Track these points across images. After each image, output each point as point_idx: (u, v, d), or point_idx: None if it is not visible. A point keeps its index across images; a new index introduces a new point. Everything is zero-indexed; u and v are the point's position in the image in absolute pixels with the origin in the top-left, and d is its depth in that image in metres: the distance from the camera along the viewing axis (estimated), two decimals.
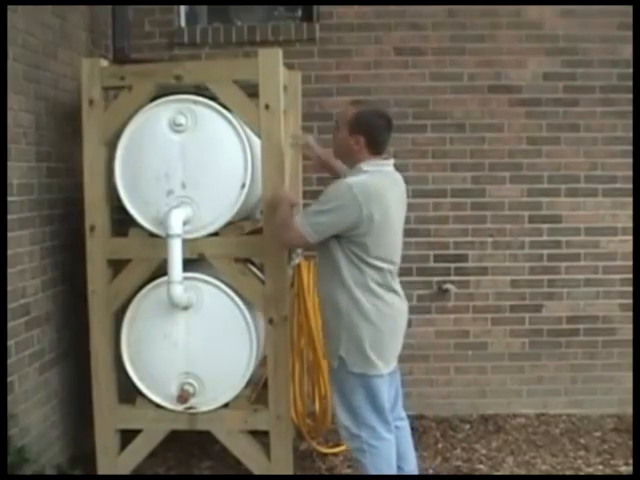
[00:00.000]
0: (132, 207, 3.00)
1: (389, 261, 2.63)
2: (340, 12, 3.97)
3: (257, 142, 2.98)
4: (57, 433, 3.28)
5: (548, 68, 3.96)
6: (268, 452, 3.06)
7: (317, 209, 2.58)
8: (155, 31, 4.01)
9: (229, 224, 2.99)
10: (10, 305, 2.85)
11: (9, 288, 2.82)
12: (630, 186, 3.96)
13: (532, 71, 3.97)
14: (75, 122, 3.15)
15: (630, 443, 3.62)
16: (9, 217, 2.83)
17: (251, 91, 2.93)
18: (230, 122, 2.93)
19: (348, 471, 3.38)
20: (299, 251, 3.15)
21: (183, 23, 4.11)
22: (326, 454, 3.52)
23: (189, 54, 3.94)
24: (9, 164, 2.83)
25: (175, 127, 2.92)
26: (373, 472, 2.64)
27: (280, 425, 3.03)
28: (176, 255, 2.85)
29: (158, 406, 3.09)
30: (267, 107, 2.91)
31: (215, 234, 2.99)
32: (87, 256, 3.06)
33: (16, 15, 2.88)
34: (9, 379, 2.82)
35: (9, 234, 2.83)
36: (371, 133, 2.60)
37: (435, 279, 4.07)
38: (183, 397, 3.01)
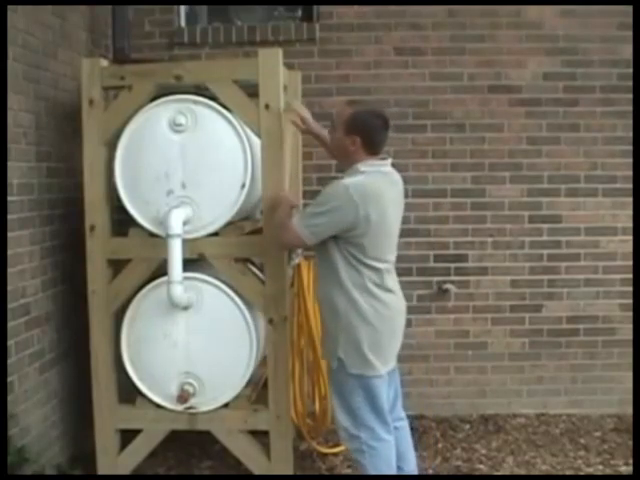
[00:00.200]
0: (132, 207, 3.00)
1: (385, 260, 2.63)
2: (340, 12, 3.97)
3: (257, 142, 2.98)
4: (57, 433, 3.28)
5: (548, 68, 3.96)
6: (268, 452, 3.06)
7: (314, 210, 2.57)
8: (155, 31, 4.01)
9: (229, 224, 2.99)
10: (10, 305, 2.85)
11: (9, 288, 2.82)
12: (630, 186, 3.96)
13: (532, 71, 3.97)
14: (75, 122, 3.15)
15: (630, 443, 3.62)
16: (9, 217, 2.83)
17: (251, 91, 2.93)
18: (230, 122, 2.93)
19: (348, 471, 3.38)
20: (299, 251, 3.15)
21: (183, 23, 4.11)
22: (326, 454, 3.52)
23: (189, 54, 3.94)
24: (9, 164, 2.83)
25: (175, 127, 2.92)
26: (373, 473, 2.63)
27: (280, 425, 3.03)
28: (176, 255, 2.85)
29: (158, 406, 3.09)
30: (267, 107, 2.90)
31: (215, 234, 2.99)
32: (87, 256, 3.06)
33: (16, 15, 2.88)
34: (9, 379, 2.83)
35: (9, 234, 2.83)
36: (367, 133, 2.59)
37: (435, 279, 4.07)
38: (183, 397, 3.01)
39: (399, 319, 2.72)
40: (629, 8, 3.76)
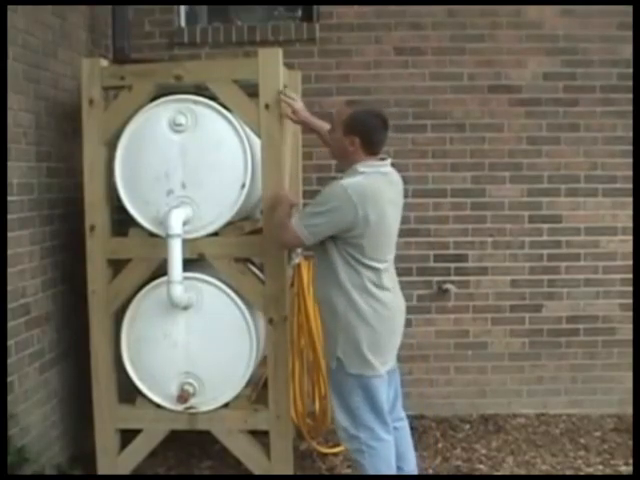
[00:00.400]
0: (132, 207, 3.00)
1: (384, 260, 2.63)
2: (340, 12, 3.96)
3: (257, 142, 2.98)
4: (57, 433, 3.28)
5: (548, 68, 3.96)
6: (268, 452, 3.06)
7: (313, 210, 2.57)
8: (155, 31, 4.01)
9: (229, 224, 2.99)
10: (10, 305, 2.85)
11: (9, 288, 2.82)
12: (630, 186, 3.96)
13: (532, 71, 3.97)
14: (75, 122, 3.16)
15: (630, 443, 3.62)
16: (9, 217, 2.83)
17: (251, 91, 2.93)
18: (230, 122, 2.93)
19: (348, 471, 3.38)
20: (299, 251, 3.15)
21: (183, 23, 4.11)
22: (326, 454, 3.51)
23: (189, 54, 3.94)
24: (9, 164, 2.83)
25: (175, 127, 2.92)
26: (372, 473, 2.63)
27: (280, 425, 3.03)
28: (176, 255, 2.85)
29: (158, 406, 3.09)
30: (267, 107, 2.90)
31: (215, 234, 2.99)
32: (87, 256, 3.06)
33: (16, 15, 2.88)
34: (9, 379, 2.83)
35: (9, 234, 2.83)
36: (366, 133, 2.58)
37: (435, 279, 4.07)
38: (183, 397, 3.01)
39: (399, 318, 2.72)
40: (629, 8, 3.76)
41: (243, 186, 2.92)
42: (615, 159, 3.99)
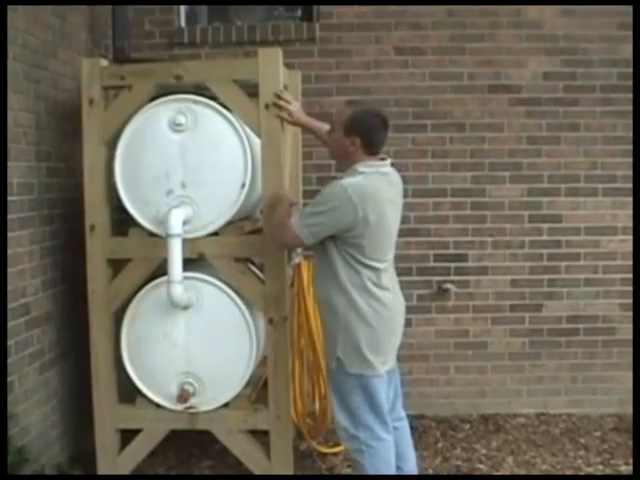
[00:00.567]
0: (132, 207, 2.99)
1: (384, 260, 2.63)
2: (340, 12, 3.97)
3: (257, 142, 2.98)
4: (57, 433, 3.28)
5: (548, 68, 3.96)
6: (268, 452, 3.06)
7: (313, 210, 2.57)
8: (155, 31, 4.01)
9: (229, 224, 2.99)
10: (10, 305, 2.85)
11: (9, 288, 2.82)
12: (630, 185, 3.96)
13: (532, 71, 3.97)
14: (75, 122, 3.15)
15: (630, 443, 3.62)
16: (9, 217, 2.83)
17: (251, 91, 2.93)
18: (230, 122, 2.93)
19: (348, 471, 3.38)
20: (299, 251, 3.15)
21: (183, 23, 4.11)
22: (326, 454, 3.52)
23: (189, 54, 3.94)
24: (9, 164, 2.83)
25: (175, 127, 2.92)
26: (372, 473, 2.63)
27: (280, 425, 3.03)
28: (176, 255, 2.85)
29: (158, 406, 3.09)
30: (267, 107, 2.90)
31: (215, 234, 2.99)
32: (87, 256, 3.06)
33: (16, 15, 2.88)
34: (9, 379, 2.83)
35: (9, 234, 2.83)
36: (367, 134, 2.58)
37: (435, 279, 4.07)
38: (183, 397, 3.01)
39: (399, 318, 2.72)
40: (629, 8, 3.76)
41: (243, 186, 2.92)
42: (615, 159, 3.99)
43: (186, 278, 2.91)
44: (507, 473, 3.39)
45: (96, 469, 3.14)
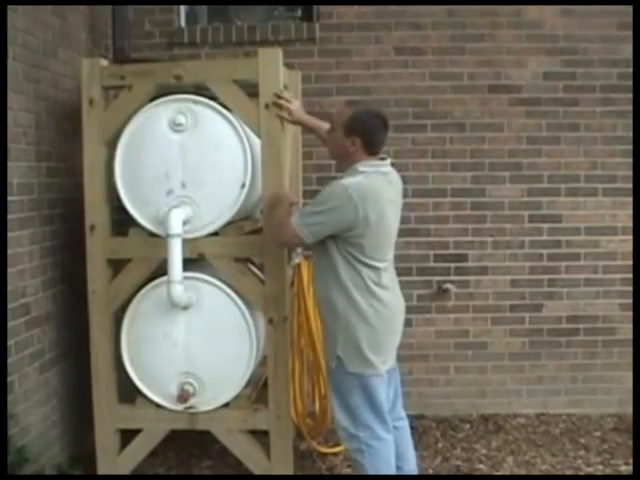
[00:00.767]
0: (132, 207, 2.99)
1: (384, 260, 2.63)
2: (340, 12, 3.97)
3: (257, 142, 2.98)
4: (57, 433, 3.28)
5: (548, 68, 3.96)
6: (268, 452, 3.06)
7: (313, 210, 2.57)
8: (155, 31, 4.01)
9: (229, 224, 2.99)
10: (10, 305, 2.85)
11: (9, 288, 2.82)
12: (630, 185, 3.96)
13: (532, 71, 3.97)
14: (75, 122, 3.15)
15: (630, 443, 3.62)
16: (9, 217, 2.83)
17: (251, 91, 2.93)
18: (230, 122, 2.93)
19: (348, 471, 3.38)
20: (299, 251, 3.15)
21: (183, 23, 4.11)
22: (326, 454, 3.52)
23: (189, 54, 3.94)
24: (9, 164, 2.83)
25: (175, 127, 2.92)
26: (372, 472, 2.63)
27: (280, 425, 3.03)
28: (176, 255, 2.85)
29: (158, 406, 3.09)
30: (267, 107, 2.90)
31: (215, 234, 2.99)
32: (87, 256, 3.06)
33: (16, 15, 2.88)
34: (9, 379, 2.83)
35: (9, 234, 2.83)
36: (367, 134, 2.58)
37: (435, 279, 4.07)
38: (183, 397, 3.01)
39: (399, 318, 2.72)
40: (629, 8, 3.76)
41: (243, 186, 2.92)
42: (615, 159, 3.99)
43: (186, 278, 2.91)
44: (507, 473, 3.39)
45: (96, 469, 3.14)
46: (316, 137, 3.02)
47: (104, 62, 3.06)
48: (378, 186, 2.57)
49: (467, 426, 3.95)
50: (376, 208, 2.52)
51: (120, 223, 3.15)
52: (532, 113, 3.98)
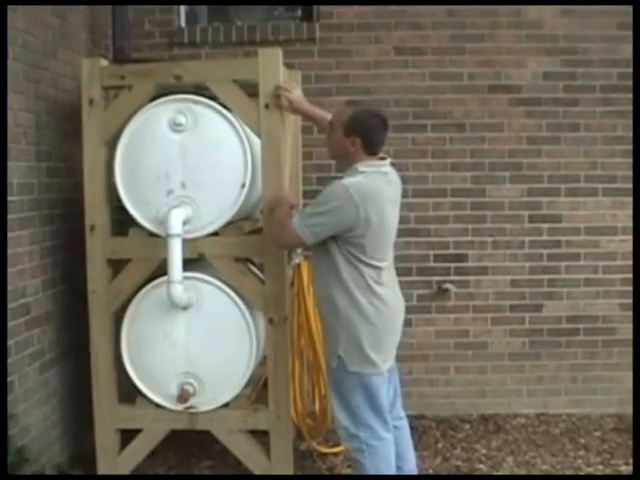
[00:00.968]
0: (132, 207, 2.99)
1: (385, 259, 2.63)
2: (340, 12, 3.97)
3: (257, 142, 2.98)
4: (57, 433, 3.28)
5: (548, 68, 3.96)
6: (268, 452, 3.06)
7: (314, 210, 2.57)
8: (155, 31, 4.01)
9: (229, 224, 2.99)
10: (10, 305, 2.85)
11: (9, 288, 2.82)
12: (630, 186, 3.96)
13: (532, 71, 3.97)
14: (75, 122, 3.16)
15: (630, 443, 3.62)
16: (9, 217, 2.83)
17: (251, 91, 2.93)
18: (230, 122, 2.93)
19: (348, 471, 3.38)
20: (299, 251, 3.15)
21: (183, 23, 4.11)
22: (326, 454, 3.52)
23: (189, 54, 3.94)
24: (9, 164, 2.83)
25: (175, 127, 2.92)
26: (372, 472, 2.63)
27: (280, 425, 3.03)
28: (176, 255, 2.85)
29: (158, 406, 3.09)
30: (267, 107, 2.90)
31: (215, 234, 2.99)
32: (87, 256, 3.06)
33: (16, 15, 2.88)
34: (9, 379, 2.83)
35: (9, 234, 2.83)
36: (367, 134, 2.58)
37: (435, 279, 4.07)
38: (183, 397, 3.01)
39: (399, 317, 2.73)
40: (629, 8, 3.76)
41: (243, 186, 2.92)
42: (615, 159, 3.99)
43: (186, 278, 2.91)
44: (507, 473, 3.39)
45: (96, 469, 3.14)
46: (318, 130, 2.99)
47: (104, 62, 3.06)
48: (378, 186, 2.57)
49: (467, 426, 3.95)
50: (377, 208, 2.52)
51: (120, 223, 3.15)
52: (532, 113, 3.98)
